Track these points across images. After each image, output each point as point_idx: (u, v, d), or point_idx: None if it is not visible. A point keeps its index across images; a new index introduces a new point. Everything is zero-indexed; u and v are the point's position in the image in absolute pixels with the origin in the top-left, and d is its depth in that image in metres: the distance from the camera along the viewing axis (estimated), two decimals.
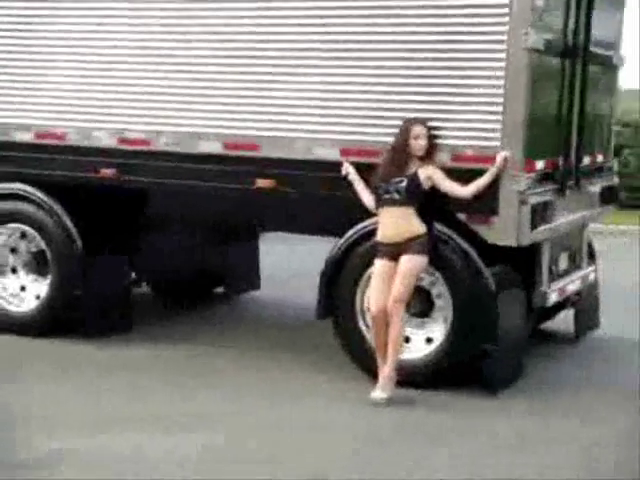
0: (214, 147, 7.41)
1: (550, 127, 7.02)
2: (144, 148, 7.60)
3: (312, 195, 7.22)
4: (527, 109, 6.52)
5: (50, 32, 7.88)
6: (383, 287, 6.62)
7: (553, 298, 7.27)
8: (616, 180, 8.48)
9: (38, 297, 8.09)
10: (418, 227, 6.65)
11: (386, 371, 6.59)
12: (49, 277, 8.02)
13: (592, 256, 8.31)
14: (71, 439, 5.86)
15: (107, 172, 7.75)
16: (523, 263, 7.08)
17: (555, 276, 7.41)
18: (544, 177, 6.98)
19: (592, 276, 8.21)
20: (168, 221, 8.50)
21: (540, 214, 6.77)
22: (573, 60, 7.09)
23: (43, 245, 8.03)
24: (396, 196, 6.63)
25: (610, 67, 8.09)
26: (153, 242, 8.60)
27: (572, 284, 7.68)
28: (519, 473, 5.56)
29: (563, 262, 7.61)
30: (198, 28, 7.43)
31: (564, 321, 8.28)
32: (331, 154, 7.07)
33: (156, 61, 7.54)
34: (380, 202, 6.73)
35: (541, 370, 7.42)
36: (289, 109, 7.20)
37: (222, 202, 7.81)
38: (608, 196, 8.20)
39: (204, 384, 6.98)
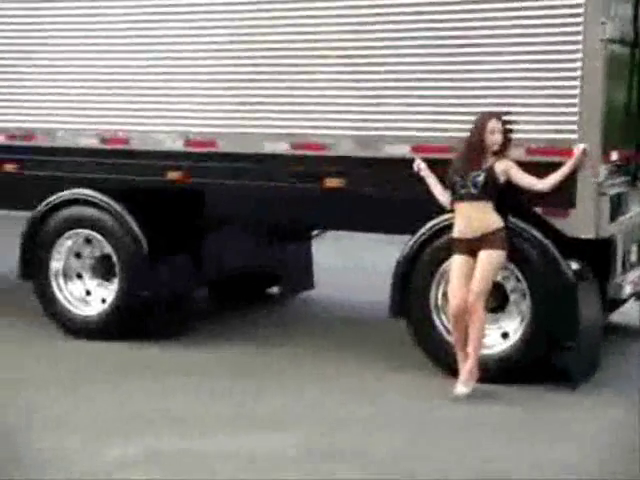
0: (281, 147, 7.41)
1: (622, 118, 6.98)
2: (211, 150, 7.60)
3: (382, 193, 7.20)
4: (604, 100, 6.50)
5: (113, 37, 7.88)
6: (462, 283, 6.59)
7: (627, 290, 7.24)
8: None
9: (104, 301, 8.10)
10: (495, 221, 6.61)
11: (468, 366, 6.57)
12: (114, 281, 8.02)
13: None
14: (146, 440, 5.85)
15: (174, 175, 7.76)
16: (594, 255, 7.05)
17: (628, 268, 7.38)
18: (616, 169, 6.97)
19: None
20: (228, 222, 8.48)
21: (617, 206, 6.75)
22: None
23: (108, 249, 8.03)
24: (473, 190, 6.59)
25: None
26: (212, 243, 8.59)
27: None
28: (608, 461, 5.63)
29: (634, 254, 7.58)
30: (263, 30, 7.41)
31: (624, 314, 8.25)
32: (402, 151, 7.06)
33: (222, 63, 7.53)
34: (456, 197, 6.69)
35: (614, 363, 7.37)
36: (358, 107, 7.17)
37: (287, 202, 7.78)
38: None
39: (270, 385, 6.92)
